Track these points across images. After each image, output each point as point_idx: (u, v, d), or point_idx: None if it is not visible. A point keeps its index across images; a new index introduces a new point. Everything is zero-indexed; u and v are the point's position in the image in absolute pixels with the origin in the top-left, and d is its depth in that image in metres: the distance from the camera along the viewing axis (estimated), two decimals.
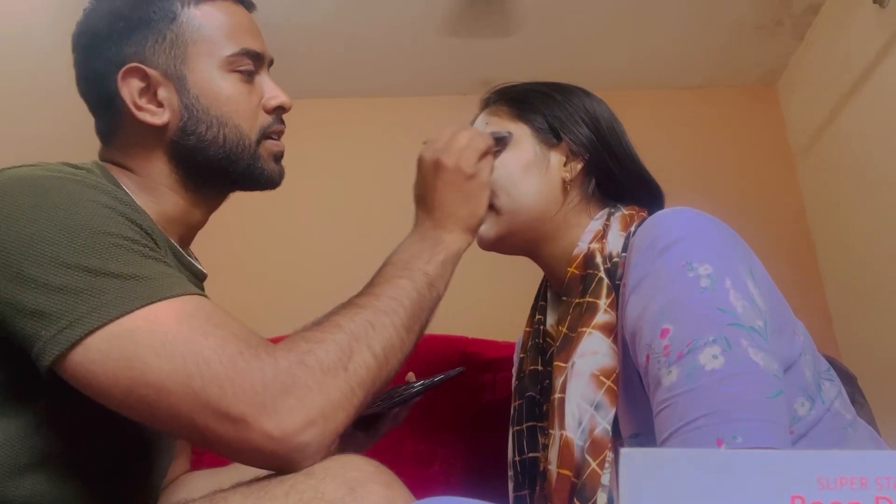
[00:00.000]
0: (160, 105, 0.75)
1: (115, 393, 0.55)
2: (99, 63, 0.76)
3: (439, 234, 0.78)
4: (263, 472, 0.57)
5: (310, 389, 0.56)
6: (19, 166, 0.67)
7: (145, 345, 0.55)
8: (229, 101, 0.76)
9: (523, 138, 0.91)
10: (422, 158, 0.83)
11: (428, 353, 1.36)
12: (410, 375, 1.00)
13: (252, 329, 0.61)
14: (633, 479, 0.37)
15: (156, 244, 0.66)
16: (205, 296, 0.62)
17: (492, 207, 0.91)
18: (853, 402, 0.84)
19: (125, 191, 0.74)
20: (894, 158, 1.70)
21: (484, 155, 0.83)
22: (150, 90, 0.75)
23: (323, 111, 2.31)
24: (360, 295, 0.68)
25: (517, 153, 0.90)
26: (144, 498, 0.77)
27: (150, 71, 0.74)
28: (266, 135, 0.80)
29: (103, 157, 0.80)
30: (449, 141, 0.82)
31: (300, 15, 2.01)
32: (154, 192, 0.77)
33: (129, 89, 0.74)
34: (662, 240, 0.73)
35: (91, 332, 0.55)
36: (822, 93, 2.03)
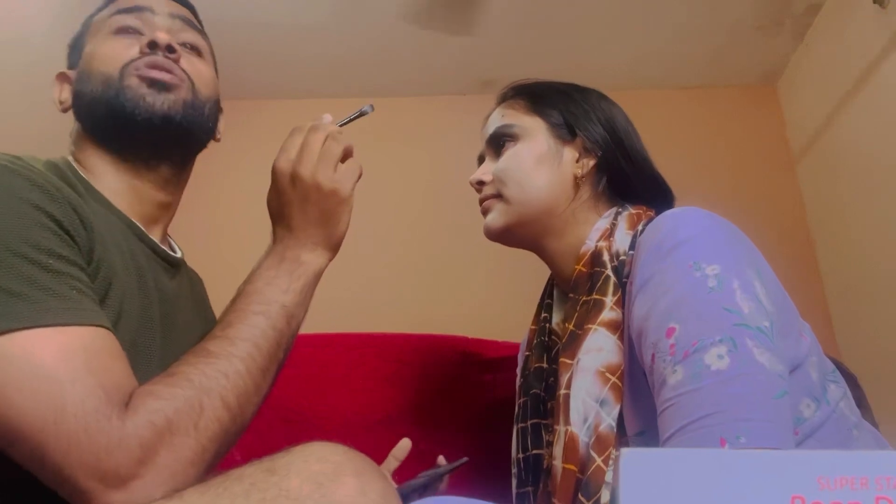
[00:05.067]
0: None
1: None
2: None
3: (298, 254, 0.73)
4: None
5: (157, 454, 0.54)
6: None
7: (14, 377, 0.52)
8: (100, 57, 0.81)
9: (538, 132, 0.92)
10: (277, 168, 0.76)
11: (428, 353, 1.36)
12: (441, 459, 1.00)
13: (125, 377, 0.58)
14: (632, 478, 0.37)
15: (70, 239, 0.62)
16: (97, 323, 0.59)
17: (501, 197, 0.91)
18: (860, 406, 0.84)
19: (83, 180, 0.77)
20: (894, 158, 1.69)
21: (344, 159, 0.77)
22: (70, 89, 0.85)
23: (323, 111, 2.31)
24: (213, 337, 0.64)
25: (531, 145, 0.91)
26: None
27: (68, 72, 0.86)
28: (131, 70, 0.80)
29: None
30: (302, 150, 0.75)
31: (300, 15, 2.01)
32: (100, 173, 0.80)
33: (56, 90, 0.86)
34: (670, 239, 0.73)
35: None
36: (821, 93, 2.03)
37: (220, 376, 0.60)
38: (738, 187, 2.17)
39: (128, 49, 0.81)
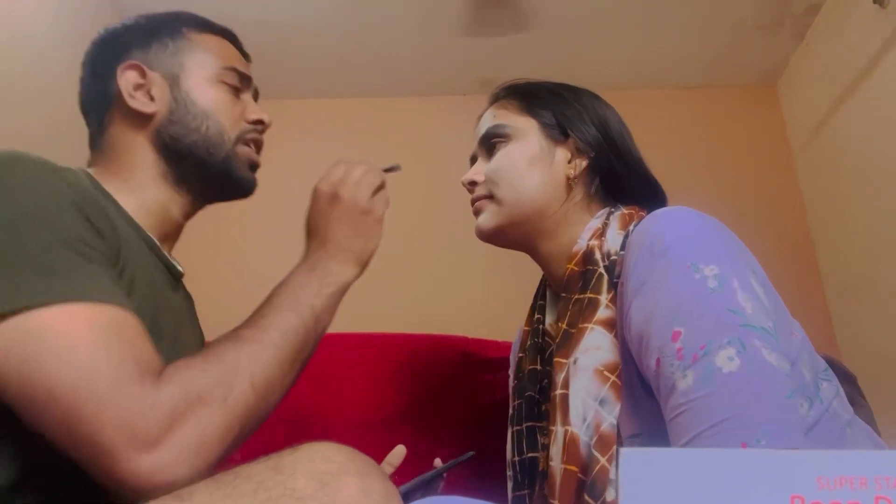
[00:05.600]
0: (152, 99, 0.84)
1: (10, 386, 0.55)
2: (106, 63, 0.86)
3: (330, 266, 0.79)
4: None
5: (186, 423, 0.56)
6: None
7: (50, 346, 0.55)
8: (214, 102, 0.86)
9: (530, 132, 0.91)
10: (318, 190, 0.83)
11: (428, 353, 1.36)
12: (437, 462, 1.01)
13: (154, 353, 0.61)
14: (633, 479, 0.37)
15: (101, 238, 0.65)
16: (125, 307, 0.62)
17: (493, 198, 0.91)
18: (853, 402, 0.84)
19: (105, 192, 0.78)
20: (894, 158, 1.69)
21: (378, 190, 0.85)
22: (145, 87, 0.84)
23: (323, 111, 2.31)
24: (246, 326, 0.68)
25: (522, 146, 0.91)
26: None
27: (148, 71, 0.84)
28: (244, 139, 0.88)
29: (90, 164, 0.86)
30: (345, 174, 0.83)
31: (300, 14, 2.01)
32: (134, 186, 0.82)
33: (126, 81, 0.83)
34: (661, 241, 0.73)
35: (3, 316, 0.55)
36: (821, 93, 2.03)
37: (250, 360, 0.64)
38: (738, 187, 2.17)
39: (234, 108, 0.87)
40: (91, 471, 0.55)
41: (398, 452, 1.00)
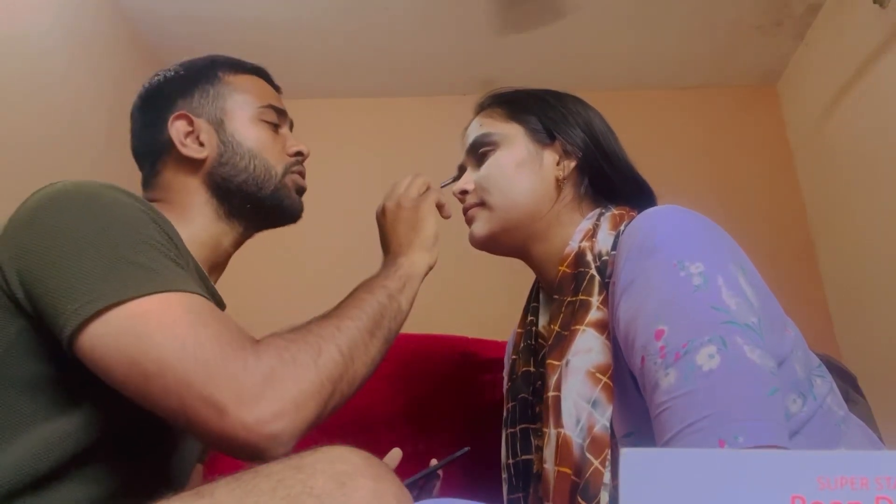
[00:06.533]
0: (202, 144, 0.91)
1: (121, 365, 0.61)
2: (154, 114, 0.93)
3: (397, 259, 0.87)
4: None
5: (284, 380, 0.62)
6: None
7: (155, 324, 0.61)
8: (258, 141, 0.93)
9: (517, 137, 0.93)
10: (376, 214, 0.94)
11: (428, 353, 1.36)
12: (433, 462, 1.02)
13: (243, 329, 0.67)
14: (633, 479, 0.37)
15: (179, 254, 0.73)
16: (210, 300, 0.68)
17: (484, 205, 0.92)
18: (847, 398, 0.84)
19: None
20: (894, 158, 1.70)
21: (423, 191, 0.93)
22: (194, 133, 0.91)
23: (323, 111, 2.31)
24: (326, 311, 0.76)
25: (510, 152, 0.92)
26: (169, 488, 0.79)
27: (195, 119, 0.91)
28: (290, 171, 0.95)
29: (144, 198, 0.91)
30: (390, 190, 0.93)
31: (300, 14, 2.02)
32: (189, 220, 0.88)
33: (177, 130, 0.90)
34: (650, 240, 0.73)
35: (111, 306, 0.61)
36: (821, 93, 2.03)
37: (333, 330, 0.71)
38: (739, 187, 2.18)
39: (276, 144, 0.94)
40: (199, 431, 0.60)
41: (394, 456, 1.01)
